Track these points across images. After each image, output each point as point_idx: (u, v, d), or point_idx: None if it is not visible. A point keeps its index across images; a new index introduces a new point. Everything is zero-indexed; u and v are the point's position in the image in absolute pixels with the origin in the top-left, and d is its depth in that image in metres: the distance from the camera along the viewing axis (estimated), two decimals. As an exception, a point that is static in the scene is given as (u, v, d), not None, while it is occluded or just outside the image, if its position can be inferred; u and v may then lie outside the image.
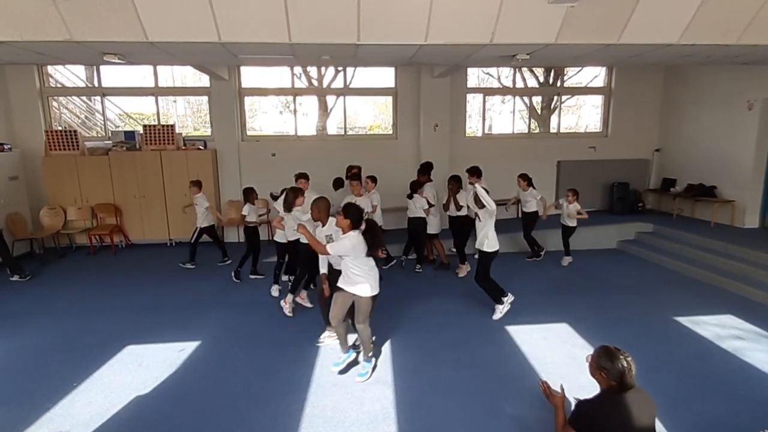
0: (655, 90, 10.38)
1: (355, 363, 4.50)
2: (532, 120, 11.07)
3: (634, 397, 2.49)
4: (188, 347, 4.95)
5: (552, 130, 10.77)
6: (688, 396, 3.99)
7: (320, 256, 4.71)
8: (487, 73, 10.65)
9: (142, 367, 4.55)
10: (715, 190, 9.02)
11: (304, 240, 4.77)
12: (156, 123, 9.32)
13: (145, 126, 8.90)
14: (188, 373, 4.46)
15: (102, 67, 9.25)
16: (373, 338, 4.55)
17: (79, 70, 9.60)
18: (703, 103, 9.37)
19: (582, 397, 2.73)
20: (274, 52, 6.21)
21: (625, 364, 2.46)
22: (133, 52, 6.01)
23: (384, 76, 9.86)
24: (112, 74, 9.50)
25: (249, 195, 6.90)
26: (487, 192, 5.51)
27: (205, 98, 9.79)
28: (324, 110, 10.42)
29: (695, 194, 9.20)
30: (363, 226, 4.13)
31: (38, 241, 8.60)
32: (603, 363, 2.52)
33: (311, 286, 6.38)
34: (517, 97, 10.60)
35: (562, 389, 2.94)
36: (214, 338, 5.18)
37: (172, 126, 8.90)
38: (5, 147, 8.19)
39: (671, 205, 9.80)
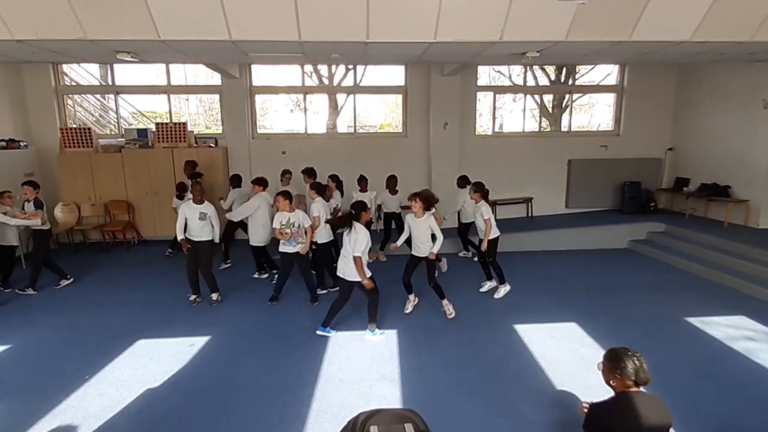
0: (668, 88, 10.25)
1: None
2: (543, 118, 10.99)
3: (649, 403, 2.46)
4: (198, 342, 5.01)
5: (563, 129, 10.68)
6: (699, 397, 3.96)
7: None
8: (498, 72, 10.59)
9: (153, 361, 4.62)
10: (729, 190, 8.88)
11: None
12: (168, 121, 9.43)
13: (157, 124, 9.01)
14: (198, 368, 4.52)
15: (116, 66, 9.37)
16: None
17: (94, 68, 9.72)
18: (718, 102, 9.24)
19: (591, 399, 2.73)
20: (284, 50, 6.25)
21: (636, 361, 2.47)
22: (146, 51, 6.09)
23: (394, 75, 9.86)
24: (126, 73, 9.63)
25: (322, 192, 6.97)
26: None
27: (216, 96, 9.87)
28: (334, 108, 10.45)
29: (708, 194, 9.07)
30: None
31: (53, 236, 8.74)
32: (614, 364, 2.51)
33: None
34: (528, 96, 10.54)
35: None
36: (223, 334, 5.25)
37: (184, 124, 8.99)
38: (21, 144, 8.34)
39: (684, 205, 9.67)
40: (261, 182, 6.71)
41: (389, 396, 3.98)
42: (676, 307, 5.93)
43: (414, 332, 5.25)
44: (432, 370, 4.44)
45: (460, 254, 8.43)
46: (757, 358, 4.61)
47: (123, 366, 4.52)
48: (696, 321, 5.50)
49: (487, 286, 6.56)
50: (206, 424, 3.65)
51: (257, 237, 6.63)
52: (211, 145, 9.25)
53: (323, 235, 6.16)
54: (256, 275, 7.13)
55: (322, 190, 6.22)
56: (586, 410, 2.90)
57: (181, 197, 7.64)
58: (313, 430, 3.55)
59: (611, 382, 2.57)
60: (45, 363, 4.61)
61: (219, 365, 4.57)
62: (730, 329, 5.27)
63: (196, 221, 5.81)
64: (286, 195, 5.79)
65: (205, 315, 5.77)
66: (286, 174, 7.84)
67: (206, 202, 5.93)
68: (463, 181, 7.67)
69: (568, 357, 4.64)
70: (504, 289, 6.34)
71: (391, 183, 7.82)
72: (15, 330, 5.34)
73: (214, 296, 6.13)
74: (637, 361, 2.47)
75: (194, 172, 7.69)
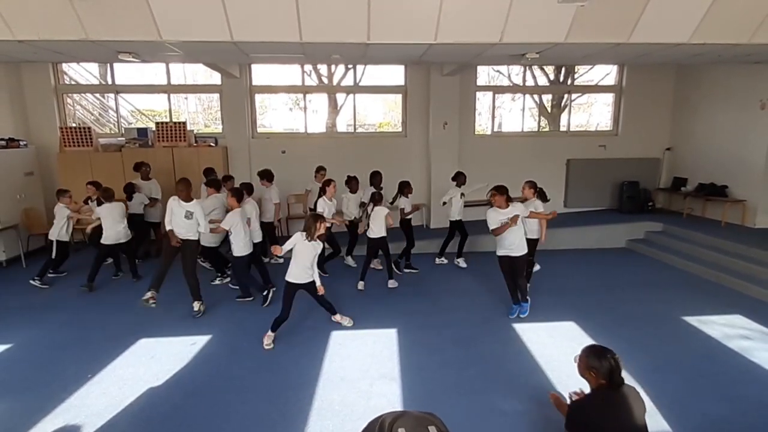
0: (666, 88, 10.30)
1: None
2: (542, 118, 11.04)
3: (625, 394, 2.53)
4: (199, 341, 5.05)
5: (562, 129, 10.73)
6: (695, 395, 4.01)
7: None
8: (498, 71, 10.63)
9: (155, 359, 4.65)
10: (727, 190, 8.94)
11: None
12: (168, 120, 9.44)
13: (157, 123, 9.01)
14: (199, 367, 4.56)
15: (115, 65, 9.37)
16: None
17: (93, 67, 9.73)
18: (716, 102, 9.29)
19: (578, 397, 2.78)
20: (285, 51, 6.28)
21: (613, 362, 2.50)
22: (148, 51, 6.10)
23: (394, 74, 9.89)
24: (125, 71, 9.63)
25: (405, 189, 7.19)
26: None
27: (215, 95, 9.89)
28: (334, 108, 10.47)
29: (706, 193, 9.13)
30: None
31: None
32: (591, 362, 2.57)
33: None
34: (527, 95, 10.57)
35: (571, 398, 2.97)
36: (224, 333, 5.28)
37: (184, 123, 8.99)
38: (21, 143, 8.34)
39: (681, 205, 9.73)
40: (214, 184, 6.69)
41: (389, 394, 4.02)
42: (673, 306, 5.99)
43: (413, 331, 5.29)
44: (431, 368, 4.49)
45: (437, 261, 7.98)
46: (752, 356, 4.67)
47: (125, 365, 4.56)
48: (693, 320, 5.55)
49: None
50: (208, 423, 3.68)
51: (207, 238, 6.47)
52: (211, 144, 9.26)
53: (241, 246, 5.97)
54: (217, 281, 6.95)
55: (241, 196, 6.08)
56: (555, 401, 3.05)
57: (130, 198, 7.64)
58: (315, 428, 3.59)
59: (586, 377, 2.64)
60: (47, 362, 4.64)
61: (220, 364, 4.61)
62: (726, 328, 5.33)
63: (182, 219, 5.59)
64: (234, 192, 5.91)
65: (206, 314, 5.79)
66: (320, 171, 7.95)
67: (194, 200, 5.70)
68: (464, 178, 7.56)
69: (567, 356, 4.64)
70: (536, 267, 6.89)
71: (376, 180, 7.52)
72: (17, 329, 5.36)
73: (196, 306, 5.75)
74: (613, 362, 2.51)
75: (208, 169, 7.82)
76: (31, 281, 6.70)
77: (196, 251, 5.95)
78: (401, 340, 5.08)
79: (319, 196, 7.02)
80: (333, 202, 6.99)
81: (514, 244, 5.43)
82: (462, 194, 7.44)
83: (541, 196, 6.39)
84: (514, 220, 5.29)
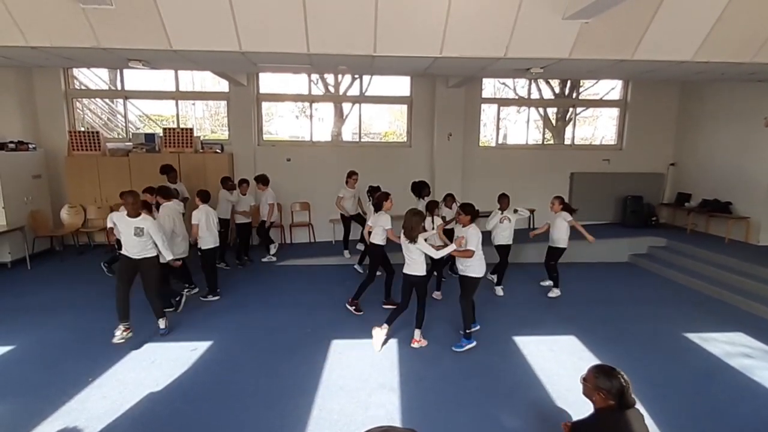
0: (671, 104, 10.35)
1: None
2: (547, 131, 11.08)
3: (629, 416, 2.44)
4: (200, 347, 5.07)
5: (566, 142, 10.77)
6: (694, 413, 3.99)
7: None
8: (503, 84, 10.70)
9: (155, 364, 4.67)
10: (730, 207, 8.94)
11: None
12: (175, 125, 9.54)
13: (164, 129, 9.12)
14: (199, 372, 4.57)
15: (125, 71, 9.50)
16: None
17: (103, 72, 9.86)
18: (720, 119, 9.32)
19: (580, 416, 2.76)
20: (293, 62, 6.35)
21: (624, 382, 2.42)
22: (157, 59, 6.19)
23: (400, 85, 9.97)
24: (135, 77, 9.74)
25: (447, 199, 7.44)
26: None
27: (223, 102, 9.98)
28: (339, 116, 10.54)
29: (710, 210, 9.13)
30: None
31: (58, 238, 8.86)
32: (601, 383, 2.46)
33: None
34: (532, 108, 10.63)
35: None
36: (225, 339, 5.30)
37: (191, 129, 9.10)
38: (30, 146, 8.44)
39: (685, 220, 9.72)
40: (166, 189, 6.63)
41: (388, 405, 4.02)
42: (675, 322, 5.97)
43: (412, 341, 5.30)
44: (431, 379, 4.49)
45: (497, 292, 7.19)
46: (753, 374, 4.65)
47: (126, 369, 4.58)
48: (694, 336, 5.53)
49: (548, 283, 7.32)
50: (207, 428, 3.69)
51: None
52: (217, 150, 9.34)
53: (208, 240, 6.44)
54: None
55: (206, 198, 6.50)
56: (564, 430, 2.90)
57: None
58: (313, 437, 3.61)
59: (593, 398, 2.53)
60: (48, 364, 4.66)
61: (220, 370, 4.62)
62: (727, 345, 5.30)
63: (131, 237, 5.06)
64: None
65: (207, 320, 5.82)
66: (352, 176, 8.05)
67: (143, 215, 5.15)
68: (506, 201, 6.90)
69: (567, 369, 4.67)
70: (556, 292, 7.00)
71: (426, 191, 7.37)
72: (19, 331, 5.39)
73: (162, 323, 5.40)
74: (623, 382, 2.42)
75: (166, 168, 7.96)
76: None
77: (156, 269, 5.37)
78: (401, 350, 5.09)
79: (377, 209, 6.16)
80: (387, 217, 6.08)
81: (467, 263, 5.18)
82: (505, 218, 6.87)
83: (568, 209, 6.88)
84: (458, 242, 5.08)
